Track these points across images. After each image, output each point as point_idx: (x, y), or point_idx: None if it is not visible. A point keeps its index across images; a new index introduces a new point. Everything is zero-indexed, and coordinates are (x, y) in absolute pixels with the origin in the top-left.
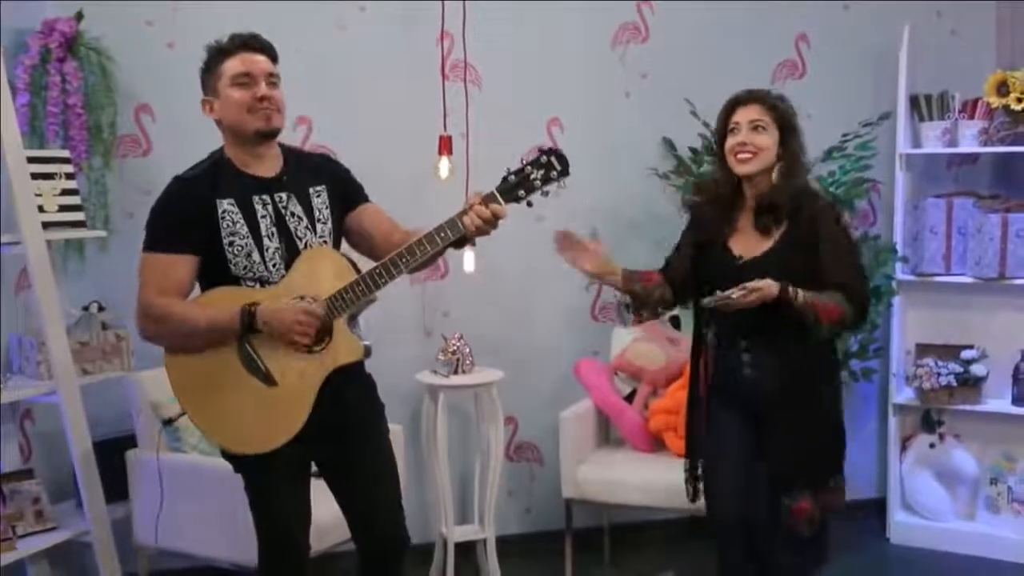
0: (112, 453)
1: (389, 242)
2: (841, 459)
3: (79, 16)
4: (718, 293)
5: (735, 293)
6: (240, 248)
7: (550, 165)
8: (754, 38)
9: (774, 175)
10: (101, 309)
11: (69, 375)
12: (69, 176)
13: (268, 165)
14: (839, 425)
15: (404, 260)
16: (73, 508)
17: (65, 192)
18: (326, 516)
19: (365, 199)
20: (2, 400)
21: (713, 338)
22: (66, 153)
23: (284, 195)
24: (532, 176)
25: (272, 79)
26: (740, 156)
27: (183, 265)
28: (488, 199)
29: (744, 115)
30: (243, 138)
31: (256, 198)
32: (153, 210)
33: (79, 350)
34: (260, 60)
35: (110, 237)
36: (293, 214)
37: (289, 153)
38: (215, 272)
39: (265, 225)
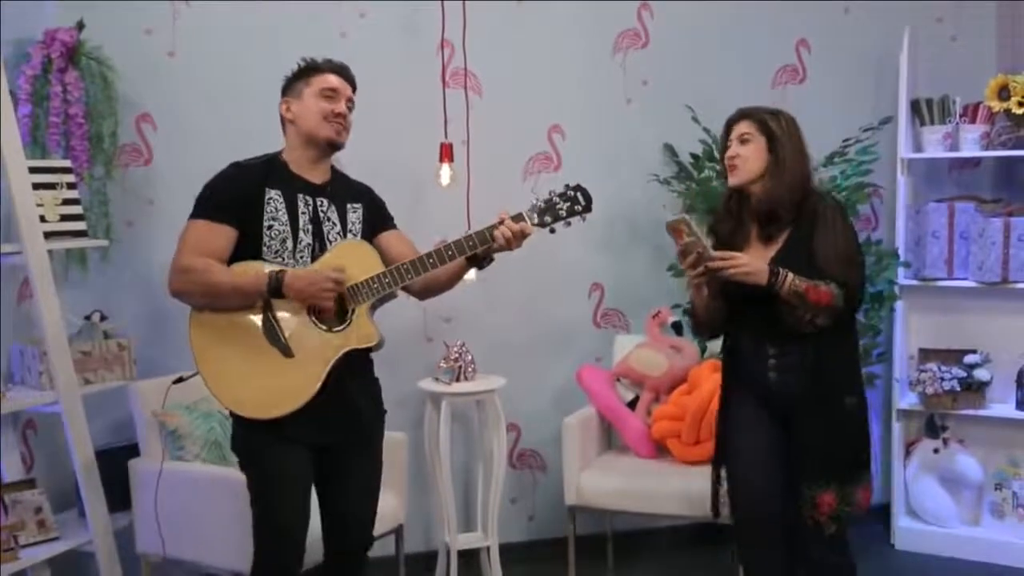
0: (114, 462)
1: None
2: (867, 456)
3: (80, 25)
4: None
5: (717, 255)
6: (277, 233)
7: (576, 200)
8: (754, 43)
9: (765, 182)
10: (103, 318)
11: (71, 385)
12: (70, 186)
13: (318, 174)
14: (864, 423)
15: (431, 260)
16: (75, 517)
17: (66, 202)
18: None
19: (393, 226)
20: (4, 410)
21: (743, 343)
22: (67, 163)
23: (325, 201)
24: (559, 207)
25: (350, 104)
26: (729, 169)
27: (223, 234)
28: (518, 218)
29: (735, 132)
30: (310, 143)
31: (300, 196)
32: (206, 184)
33: (81, 359)
34: (346, 86)
35: (112, 246)
36: (329, 219)
37: (336, 172)
38: (248, 251)
39: (303, 221)
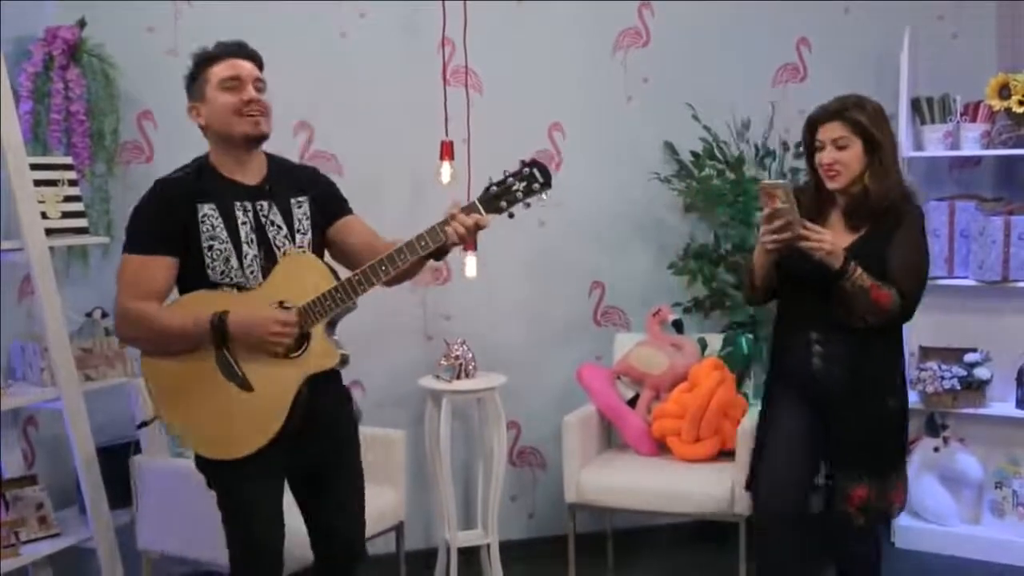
0: (115, 459)
1: (371, 253)
2: (902, 459)
3: (81, 23)
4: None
5: (810, 226)
6: (219, 253)
7: (532, 177)
8: (755, 42)
9: (866, 180)
10: (104, 315)
11: (72, 381)
12: (72, 183)
13: (252, 172)
14: (903, 427)
15: (384, 268)
16: (76, 514)
17: (68, 199)
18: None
19: (348, 211)
20: (5, 406)
21: (787, 332)
22: (69, 160)
23: (265, 203)
24: (514, 188)
25: (259, 84)
26: (828, 174)
27: (160, 266)
28: (469, 209)
29: (826, 133)
30: (230, 143)
31: (237, 204)
32: (133, 211)
33: (82, 356)
34: (247, 65)
35: (113, 243)
36: (273, 223)
37: (273, 162)
38: (193, 277)
39: (245, 232)
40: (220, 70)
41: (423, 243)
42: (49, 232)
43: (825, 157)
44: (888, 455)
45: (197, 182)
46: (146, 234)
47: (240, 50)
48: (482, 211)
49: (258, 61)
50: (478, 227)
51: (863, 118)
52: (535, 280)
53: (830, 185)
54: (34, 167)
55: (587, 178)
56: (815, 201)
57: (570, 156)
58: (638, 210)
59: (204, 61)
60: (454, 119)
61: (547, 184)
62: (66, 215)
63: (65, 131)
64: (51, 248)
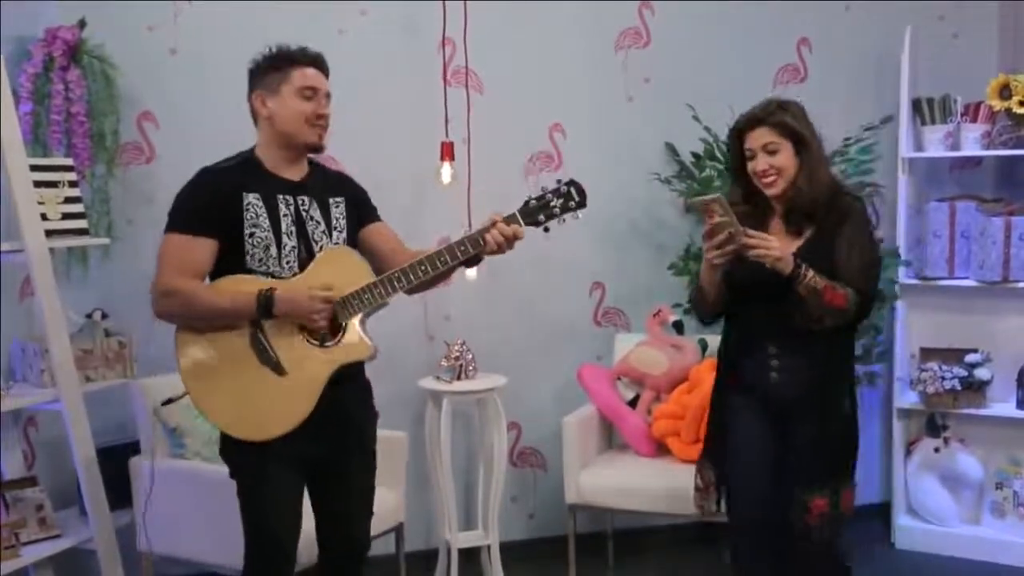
0: (115, 460)
1: (394, 260)
2: (855, 461)
3: (81, 23)
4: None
5: (753, 234)
6: (260, 240)
7: (569, 196)
8: (755, 42)
9: (799, 182)
10: (104, 316)
11: (72, 382)
12: (72, 184)
13: (295, 170)
14: (856, 425)
15: (423, 268)
16: (77, 515)
17: (68, 200)
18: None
19: (378, 218)
20: (5, 408)
21: (742, 343)
22: (69, 161)
23: (307, 199)
24: (552, 204)
25: (328, 99)
26: (765, 181)
27: (203, 247)
28: (511, 219)
29: (754, 141)
30: (289, 145)
31: (280, 197)
32: (179, 195)
33: (82, 357)
34: (324, 79)
35: (113, 245)
36: (312, 218)
37: (313, 164)
38: (231, 262)
39: (286, 224)
40: (302, 76)
41: (463, 248)
42: (49, 233)
43: (759, 164)
44: (845, 460)
45: (242, 173)
46: (191, 213)
47: (320, 62)
48: (521, 223)
49: (329, 75)
50: (516, 238)
51: (788, 119)
52: (536, 281)
53: (769, 192)
54: (34, 168)
55: (588, 179)
56: (752, 211)
57: (570, 157)
58: (638, 211)
59: (287, 59)
60: (454, 119)
61: (583, 204)
62: (66, 216)
63: (65, 132)
64: (51, 249)
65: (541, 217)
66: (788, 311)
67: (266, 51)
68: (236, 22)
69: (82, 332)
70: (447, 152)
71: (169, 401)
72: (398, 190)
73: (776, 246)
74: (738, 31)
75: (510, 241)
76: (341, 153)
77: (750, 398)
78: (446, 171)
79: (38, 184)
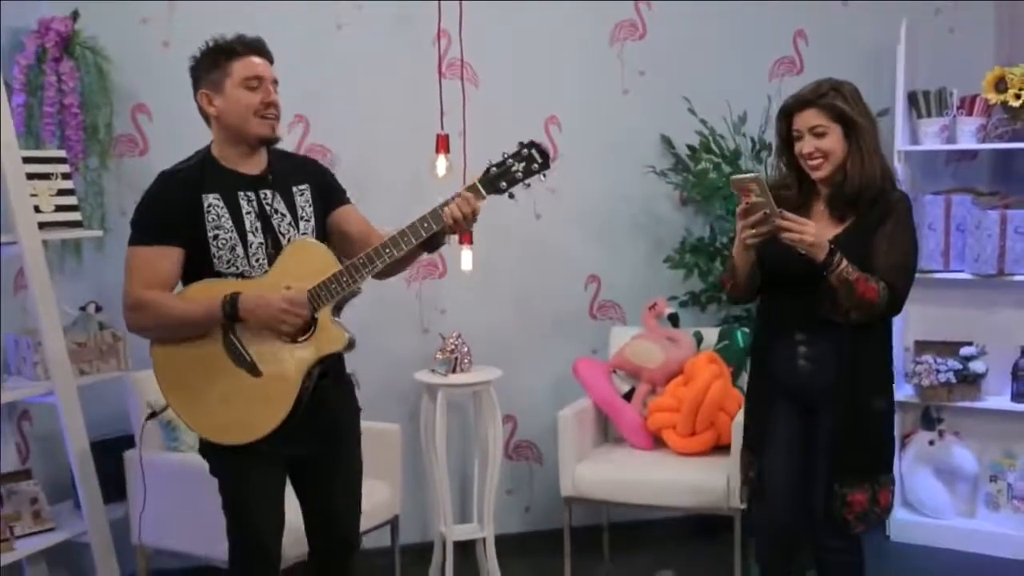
0: (110, 453)
1: (366, 243)
2: (892, 456)
3: (75, 15)
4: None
5: (789, 216)
6: (224, 242)
7: (531, 158)
8: (752, 35)
9: (848, 168)
10: (98, 309)
11: (66, 375)
12: (65, 176)
13: (254, 163)
14: (892, 425)
15: (387, 250)
16: (71, 508)
17: (61, 192)
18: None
19: (346, 200)
20: None
21: (770, 332)
22: (62, 153)
23: (269, 192)
24: (514, 168)
25: (275, 85)
26: (811, 163)
27: (168, 257)
28: (471, 189)
29: (802, 122)
30: (241, 139)
31: (241, 194)
32: (139, 205)
33: (76, 350)
34: (267, 66)
35: (107, 237)
36: (277, 211)
37: (272, 152)
38: (199, 266)
39: (249, 221)
40: (243, 67)
41: (425, 224)
42: (42, 226)
43: (805, 146)
44: (885, 457)
45: (200, 173)
46: (153, 225)
47: (261, 47)
48: (483, 192)
49: (272, 60)
50: (474, 212)
51: (840, 103)
52: (531, 273)
53: (815, 175)
54: (27, 160)
55: (583, 171)
56: (797, 193)
57: (566, 149)
58: (634, 204)
59: (226, 53)
60: (450, 112)
61: (546, 164)
62: (59, 208)
63: (58, 124)
64: (45, 242)
65: (503, 184)
66: (817, 299)
67: (203, 46)
68: (230, 15)
69: (76, 325)
70: (442, 145)
71: (153, 415)
72: (393, 183)
73: (811, 231)
74: (734, 24)
75: (469, 217)
76: (337, 145)
77: (779, 393)
78: (441, 164)
79: (31, 176)
